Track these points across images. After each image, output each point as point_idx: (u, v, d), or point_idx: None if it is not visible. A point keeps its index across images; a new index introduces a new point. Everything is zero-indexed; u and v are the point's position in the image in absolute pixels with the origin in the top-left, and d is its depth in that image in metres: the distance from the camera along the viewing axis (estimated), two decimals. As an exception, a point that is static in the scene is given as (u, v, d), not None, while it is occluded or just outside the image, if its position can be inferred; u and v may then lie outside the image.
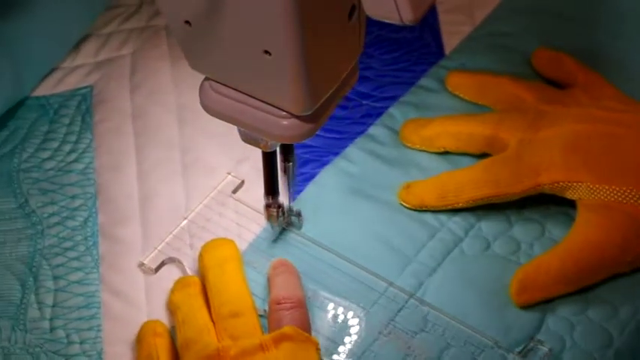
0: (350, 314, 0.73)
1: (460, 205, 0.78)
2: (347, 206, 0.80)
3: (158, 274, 0.77)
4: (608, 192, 0.74)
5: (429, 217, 0.79)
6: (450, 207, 0.78)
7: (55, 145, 0.85)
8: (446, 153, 0.82)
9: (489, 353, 0.71)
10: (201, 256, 0.75)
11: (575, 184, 0.75)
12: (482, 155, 0.81)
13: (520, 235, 0.77)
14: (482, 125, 0.81)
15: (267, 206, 0.75)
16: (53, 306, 0.75)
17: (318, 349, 0.69)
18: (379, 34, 0.92)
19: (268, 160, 0.72)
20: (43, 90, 0.89)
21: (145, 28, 0.93)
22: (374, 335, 0.72)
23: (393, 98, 0.87)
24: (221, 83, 0.64)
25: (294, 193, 0.75)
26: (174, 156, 0.84)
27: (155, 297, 0.75)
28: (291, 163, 0.71)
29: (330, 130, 0.84)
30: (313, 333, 0.71)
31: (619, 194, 0.74)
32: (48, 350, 0.73)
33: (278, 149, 0.71)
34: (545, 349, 0.71)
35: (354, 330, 0.73)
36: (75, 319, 0.74)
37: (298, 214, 0.77)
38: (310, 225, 0.78)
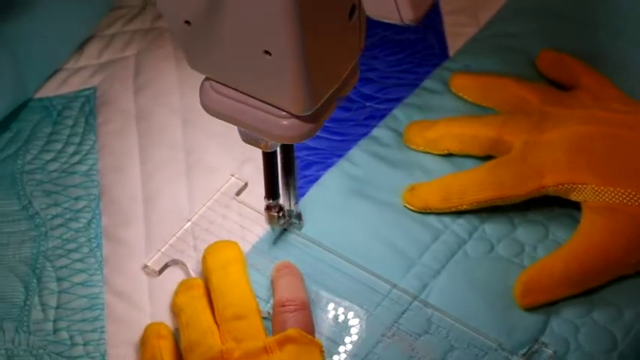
0: (353, 316, 0.73)
1: (464, 207, 0.78)
2: (351, 208, 0.79)
3: (162, 276, 0.77)
4: (613, 194, 0.74)
5: (432, 220, 0.78)
6: (453, 209, 0.78)
7: (59, 146, 0.85)
8: (450, 155, 0.82)
9: (493, 355, 0.71)
10: (204, 258, 0.75)
11: (579, 186, 0.75)
12: (487, 157, 0.81)
13: (524, 237, 0.77)
14: (486, 127, 0.80)
15: (268, 208, 0.75)
16: (57, 308, 0.75)
17: (322, 352, 0.69)
18: (383, 35, 0.91)
19: (269, 160, 0.71)
20: (47, 91, 0.89)
21: (149, 30, 0.93)
22: (377, 337, 0.72)
23: (397, 100, 0.87)
24: (221, 83, 0.64)
25: (297, 196, 0.75)
26: (178, 157, 0.83)
27: (159, 299, 0.75)
28: (291, 164, 0.71)
29: (333, 132, 0.84)
30: (317, 335, 0.71)
31: (624, 196, 0.74)
32: (51, 352, 0.73)
33: (278, 150, 0.71)
34: (549, 351, 0.71)
35: (357, 332, 0.73)
36: (78, 320, 0.74)
37: (299, 217, 0.77)
38: (314, 227, 0.78)
